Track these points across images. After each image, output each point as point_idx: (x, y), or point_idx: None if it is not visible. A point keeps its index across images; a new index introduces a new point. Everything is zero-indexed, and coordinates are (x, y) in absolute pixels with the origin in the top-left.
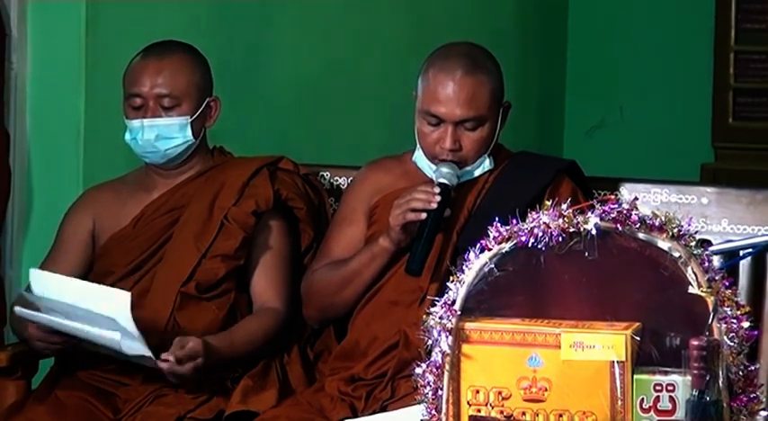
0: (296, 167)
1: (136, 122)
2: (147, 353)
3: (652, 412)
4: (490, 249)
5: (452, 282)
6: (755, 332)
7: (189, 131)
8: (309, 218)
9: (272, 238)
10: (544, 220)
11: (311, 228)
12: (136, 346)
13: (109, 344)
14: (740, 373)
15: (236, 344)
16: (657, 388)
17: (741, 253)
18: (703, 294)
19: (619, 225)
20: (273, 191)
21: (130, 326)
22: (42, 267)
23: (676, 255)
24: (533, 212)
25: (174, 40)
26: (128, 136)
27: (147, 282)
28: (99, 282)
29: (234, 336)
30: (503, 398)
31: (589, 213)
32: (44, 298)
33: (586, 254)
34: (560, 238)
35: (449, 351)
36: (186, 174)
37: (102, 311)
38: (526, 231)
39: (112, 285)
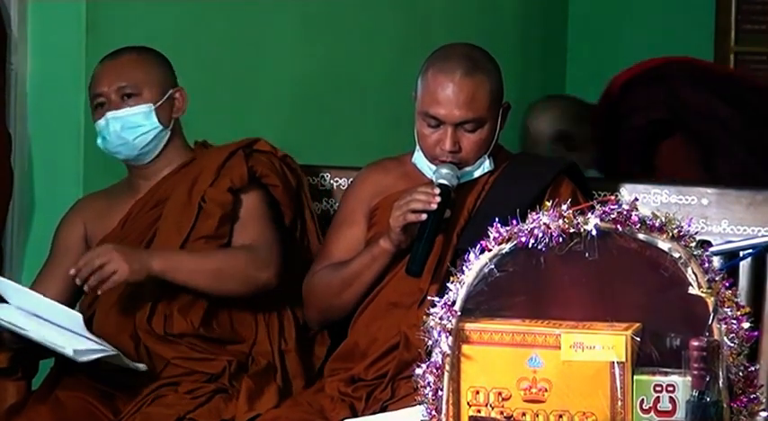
0: (273, 149)
1: (101, 121)
2: (113, 351)
3: (652, 413)
4: (490, 250)
5: (452, 282)
6: (755, 333)
7: (155, 118)
8: (287, 196)
9: (249, 204)
10: (544, 221)
11: (290, 209)
12: (94, 354)
13: (63, 354)
14: (740, 374)
15: (187, 259)
16: (657, 388)
17: (741, 254)
18: (703, 295)
19: (619, 226)
20: (248, 167)
21: (89, 337)
22: (39, 277)
23: (676, 255)
24: (533, 213)
25: (130, 46)
26: (99, 141)
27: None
28: None
29: (190, 253)
30: (503, 399)
31: (589, 214)
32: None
33: (586, 254)
34: (560, 239)
35: (449, 351)
36: (166, 169)
37: (61, 323)
38: (526, 232)
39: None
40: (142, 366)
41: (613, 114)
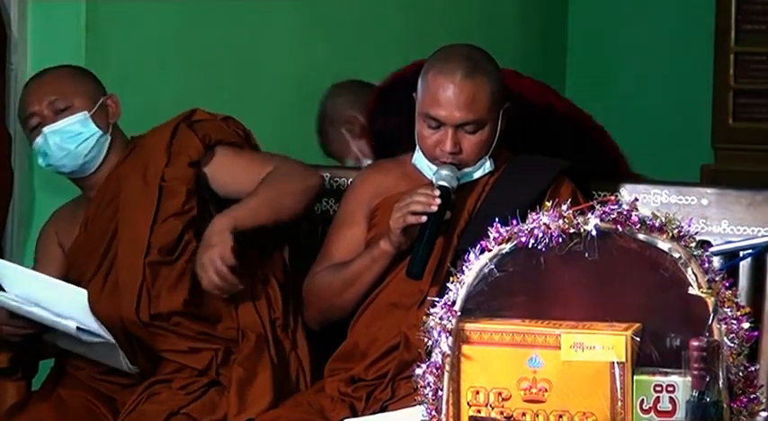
0: (212, 115)
1: (39, 139)
2: (111, 340)
3: (652, 413)
4: (490, 250)
5: (453, 282)
6: (755, 333)
7: (92, 124)
8: (250, 148)
9: (228, 157)
10: (544, 221)
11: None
12: (97, 337)
13: (66, 331)
14: (740, 374)
15: (241, 205)
16: (657, 388)
17: (741, 254)
18: (703, 295)
19: (619, 226)
20: (199, 138)
21: (90, 322)
22: None
23: (676, 255)
24: (533, 213)
25: (51, 67)
26: (40, 160)
27: (115, 273)
28: None
29: (240, 201)
30: (503, 399)
31: (589, 214)
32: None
33: (586, 254)
34: (560, 239)
35: (449, 352)
36: (110, 168)
37: (62, 307)
38: (526, 232)
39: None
40: (134, 368)
41: (376, 114)
